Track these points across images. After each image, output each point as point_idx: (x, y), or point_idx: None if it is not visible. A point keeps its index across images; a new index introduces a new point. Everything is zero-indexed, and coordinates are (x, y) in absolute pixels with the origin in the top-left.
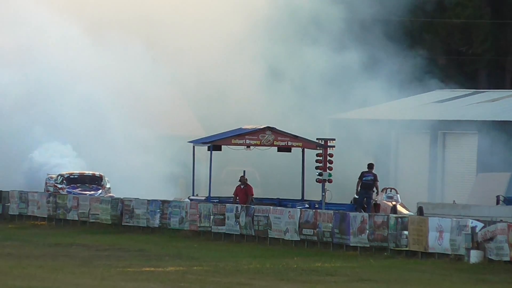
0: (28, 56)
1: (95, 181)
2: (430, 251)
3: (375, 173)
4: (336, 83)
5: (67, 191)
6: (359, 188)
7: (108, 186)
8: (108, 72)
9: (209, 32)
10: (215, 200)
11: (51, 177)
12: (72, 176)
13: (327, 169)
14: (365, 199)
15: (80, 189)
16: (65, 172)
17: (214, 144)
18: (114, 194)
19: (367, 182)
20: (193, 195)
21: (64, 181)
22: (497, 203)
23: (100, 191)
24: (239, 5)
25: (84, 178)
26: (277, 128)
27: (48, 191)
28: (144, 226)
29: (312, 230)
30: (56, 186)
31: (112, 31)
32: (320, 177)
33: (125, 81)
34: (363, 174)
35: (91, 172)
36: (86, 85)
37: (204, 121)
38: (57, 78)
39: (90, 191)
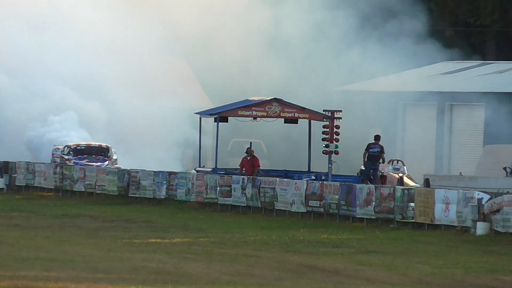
0: (38, 24)
1: (101, 152)
2: (436, 223)
3: (381, 144)
4: (343, 55)
5: (73, 162)
6: (365, 159)
7: (114, 157)
8: (117, 44)
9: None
10: (222, 172)
11: (58, 148)
12: (79, 147)
13: (334, 141)
14: (371, 170)
15: (86, 160)
16: (71, 143)
17: (221, 115)
18: (121, 165)
19: (374, 153)
20: (199, 167)
21: (71, 152)
22: (506, 175)
23: (106, 162)
24: None
25: (90, 149)
26: (284, 99)
27: (55, 162)
28: (150, 197)
29: (319, 201)
30: (62, 157)
31: (122, 5)
32: (326, 149)
33: (134, 54)
34: (369, 146)
35: (97, 144)
36: (94, 56)
37: (211, 93)
38: (63, 51)
39: (96, 162)
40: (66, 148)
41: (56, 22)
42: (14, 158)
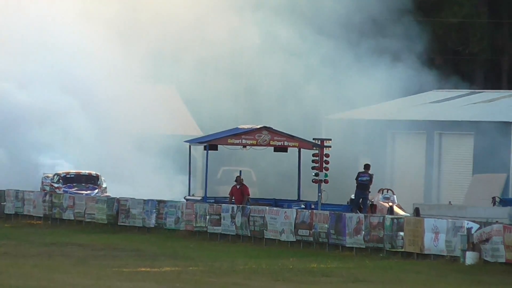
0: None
1: (91, 180)
2: (426, 252)
3: (371, 173)
4: (332, 83)
5: (63, 190)
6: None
7: (104, 185)
8: (106, 70)
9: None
10: (211, 200)
11: (48, 176)
12: (69, 176)
13: (323, 170)
14: (361, 199)
15: (76, 188)
16: (61, 171)
17: (210, 143)
18: (110, 193)
19: (363, 182)
20: (189, 195)
21: (61, 180)
22: (493, 204)
23: (96, 190)
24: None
25: (80, 177)
26: (273, 127)
27: (44, 190)
28: (140, 226)
29: (308, 230)
30: (52, 185)
31: (112, 29)
32: (316, 178)
33: (123, 80)
34: (359, 175)
35: (87, 172)
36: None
37: (200, 120)
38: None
39: (86, 190)
40: (55, 176)
41: (45, 47)
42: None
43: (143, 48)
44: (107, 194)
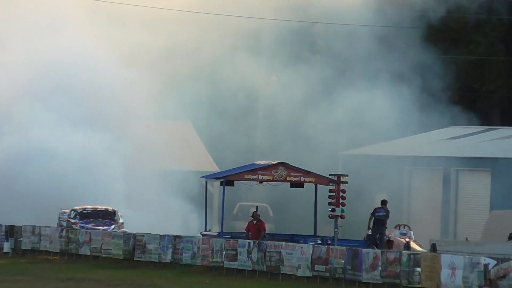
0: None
1: (108, 216)
2: None
3: (388, 209)
4: (350, 119)
5: (80, 226)
6: (371, 224)
7: (121, 221)
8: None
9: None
10: (228, 236)
11: (64, 212)
12: (85, 211)
13: (340, 205)
14: (377, 235)
15: (93, 224)
16: (78, 207)
17: (227, 179)
18: (127, 228)
19: (380, 218)
20: (205, 231)
21: (77, 216)
22: (510, 240)
23: (113, 226)
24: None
25: (97, 213)
26: (289, 163)
27: (61, 225)
28: (156, 261)
29: (325, 266)
30: (69, 221)
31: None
32: (332, 213)
33: (139, 117)
34: (375, 210)
35: (104, 207)
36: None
37: (215, 155)
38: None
39: (103, 226)
40: (72, 212)
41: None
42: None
43: (161, 84)
44: (123, 229)
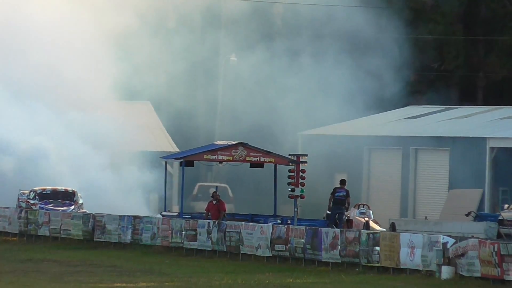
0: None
1: (67, 196)
2: (401, 267)
3: (347, 189)
4: (308, 98)
5: (39, 206)
6: (331, 204)
7: (80, 201)
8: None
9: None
10: (187, 216)
11: (23, 193)
12: (45, 192)
13: (300, 185)
14: (337, 214)
15: (52, 204)
16: (37, 187)
17: (187, 159)
18: (87, 209)
19: (339, 198)
20: (165, 211)
21: (37, 197)
22: (467, 215)
23: (72, 207)
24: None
25: (56, 193)
26: (249, 143)
27: (20, 206)
28: (116, 241)
29: (284, 245)
30: (28, 202)
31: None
32: (292, 193)
33: (95, 93)
34: (335, 190)
35: (63, 188)
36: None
37: (175, 136)
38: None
39: (62, 206)
40: (31, 192)
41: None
42: None
43: (118, 63)
44: (83, 210)
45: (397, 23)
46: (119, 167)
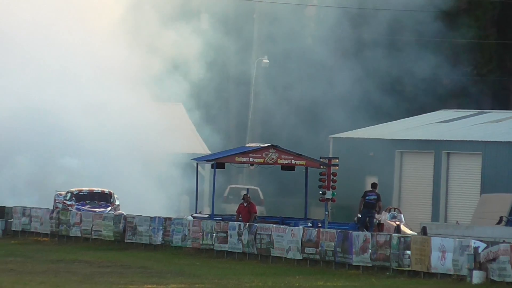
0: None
1: (104, 198)
2: (432, 271)
3: (378, 192)
4: (341, 102)
5: (76, 208)
6: (362, 207)
7: (117, 203)
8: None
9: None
10: (218, 218)
11: (60, 194)
12: (82, 193)
13: (331, 188)
14: (367, 218)
15: (89, 206)
16: (74, 188)
17: (218, 161)
18: (123, 211)
19: (370, 201)
20: (196, 213)
21: (73, 198)
22: (499, 223)
23: (109, 208)
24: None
25: (93, 195)
26: (280, 146)
27: (57, 207)
28: (146, 243)
29: (315, 248)
30: (65, 203)
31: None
32: (323, 196)
33: (129, 98)
34: (366, 193)
35: (100, 189)
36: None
37: (208, 138)
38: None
39: (99, 208)
40: (68, 193)
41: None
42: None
43: (153, 66)
44: (120, 211)
45: (430, 27)
46: (151, 168)
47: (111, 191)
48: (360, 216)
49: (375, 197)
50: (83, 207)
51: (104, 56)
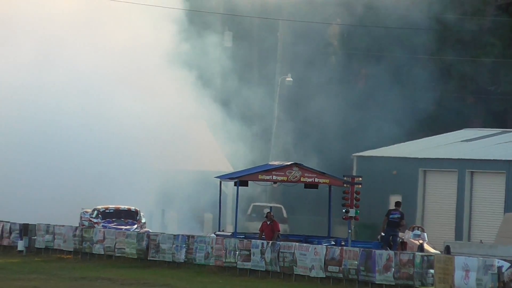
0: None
1: (130, 215)
2: None
3: (402, 211)
4: (364, 121)
5: (102, 225)
6: (385, 225)
7: (143, 220)
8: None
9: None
10: (241, 236)
11: (86, 211)
12: (108, 211)
13: (354, 206)
14: (391, 236)
15: (115, 223)
16: (100, 206)
17: (241, 179)
18: (150, 229)
19: (394, 220)
20: (219, 231)
21: (100, 216)
22: None
23: (135, 226)
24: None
25: (119, 212)
26: (304, 164)
27: (83, 225)
28: (169, 261)
29: (338, 267)
30: (91, 221)
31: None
32: (346, 214)
33: (154, 116)
34: (389, 212)
35: (126, 207)
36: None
37: (230, 156)
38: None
39: (125, 225)
40: (94, 211)
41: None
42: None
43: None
44: (146, 229)
45: (454, 44)
46: (174, 185)
47: (137, 209)
48: (384, 234)
49: (399, 215)
50: (109, 225)
51: (131, 69)
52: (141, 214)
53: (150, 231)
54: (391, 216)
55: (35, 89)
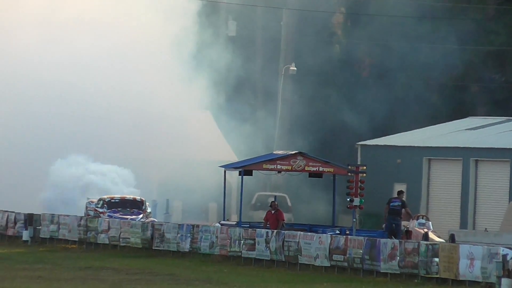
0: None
1: (136, 205)
2: (461, 278)
3: (403, 199)
4: (367, 109)
5: (108, 215)
6: (386, 214)
7: (149, 210)
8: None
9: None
10: (246, 225)
11: (92, 201)
12: (113, 200)
13: (358, 195)
14: (393, 225)
15: (121, 213)
16: (106, 196)
17: (245, 169)
18: (154, 218)
19: (394, 207)
20: (223, 220)
21: (105, 205)
22: None
23: (141, 215)
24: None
25: (125, 202)
26: (308, 153)
27: (88, 215)
28: (174, 250)
29: (343, 256)
30: (96, 210)
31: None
32: (351, 203)
33: (158, 104)
34: (390, 200)
35: (132, 197)
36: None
37: (234, 145)
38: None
39: (131, 215)
40: (100, 201)
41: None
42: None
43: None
44: (151, 219)
45: (458, 34)
46: (179, 174)
47: (143, 199)
48: (386, 223)
49: (400, 203)
50: (115, 215)
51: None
52: (147, 204)
53: (156, 220)
54: (391, 204)
55: (39, 80)
